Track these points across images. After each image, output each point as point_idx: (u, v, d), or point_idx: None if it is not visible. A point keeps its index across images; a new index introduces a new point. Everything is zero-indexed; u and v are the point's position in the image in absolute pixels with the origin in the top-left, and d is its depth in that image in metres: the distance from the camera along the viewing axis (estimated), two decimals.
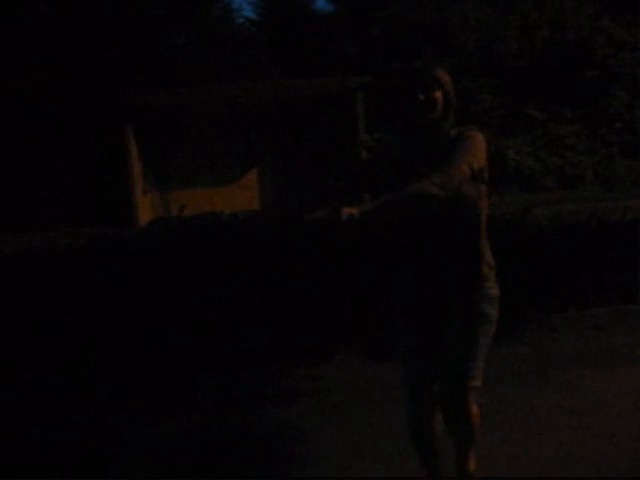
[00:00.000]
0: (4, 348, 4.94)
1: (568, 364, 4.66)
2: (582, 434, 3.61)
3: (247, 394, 4.44)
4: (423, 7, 19.77)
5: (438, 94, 2.73)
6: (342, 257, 5.08)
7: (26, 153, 16.02)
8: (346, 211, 2.33)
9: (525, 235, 5.87)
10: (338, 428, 3.83)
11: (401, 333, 2.85)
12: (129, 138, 14.77)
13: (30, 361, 4.86)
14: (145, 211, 14.80)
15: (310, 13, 27.99)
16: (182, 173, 15.54)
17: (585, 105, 19.80)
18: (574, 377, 4.42)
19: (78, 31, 16.63)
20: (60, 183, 15.73)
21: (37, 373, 4.77)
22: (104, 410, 4.28)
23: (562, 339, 5.23)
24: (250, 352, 4.91)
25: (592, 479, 3.16)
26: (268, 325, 5.00)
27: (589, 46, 19.93)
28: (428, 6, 19.69)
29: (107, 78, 16.03)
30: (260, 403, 4.27)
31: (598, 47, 19.95)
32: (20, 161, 15.93)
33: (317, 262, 5.13)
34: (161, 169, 15.67)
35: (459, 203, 2.67)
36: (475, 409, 2.78)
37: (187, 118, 15.46)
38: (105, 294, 5.09)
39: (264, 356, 4.89)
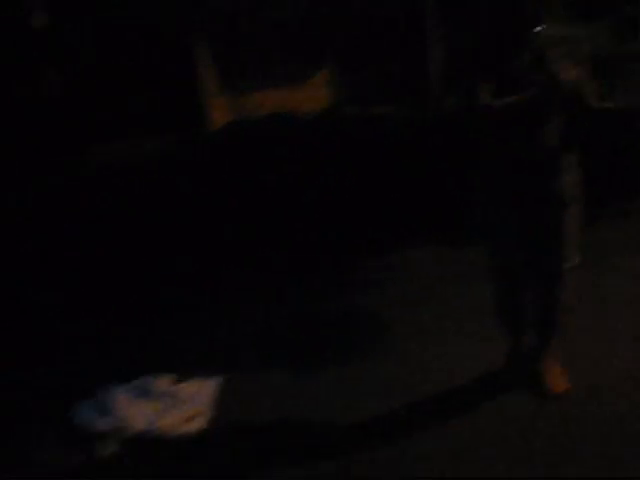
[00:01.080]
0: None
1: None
2: None
3: (334, 283, 4.61)
4: None
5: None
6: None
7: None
8: None
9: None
10: (423, 309, 4.00)
11: (492, 213, 2.84)
12: (200, 42, 14.74)
13: None
14: (219, 113, 14.89)
15: None
16: (256, 74, 15.54)
17: None
18: None
19: None
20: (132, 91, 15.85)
21: None
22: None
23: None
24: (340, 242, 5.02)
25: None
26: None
27: None
28: None
29: None
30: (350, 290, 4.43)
31: None
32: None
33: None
34: (235, 71, 15.68)
35: None
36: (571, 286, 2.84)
37: (260, 17, 15.31)
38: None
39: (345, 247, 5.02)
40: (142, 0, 14.70)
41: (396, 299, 4.21)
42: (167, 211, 5.26)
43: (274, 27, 15.24)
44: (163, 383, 3.32)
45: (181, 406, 3.15)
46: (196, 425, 3.06)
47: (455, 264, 4.61)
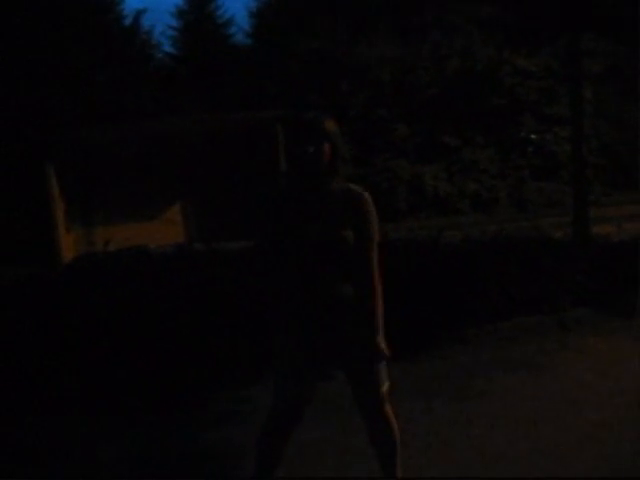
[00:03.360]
0: None
1: (480, 373, 5.02)
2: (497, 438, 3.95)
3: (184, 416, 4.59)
4: (337, 42, 20.35)
5: (326, 146, 2.82)
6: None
7: None
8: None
9: (437, 255, 6.23)
10: None
11: (284, 352, 2.96)
12: (50, 175, 14.67)
13: None
14: (69, 248, 14.67)
15: (229, 47, 28.42)
16: (106, 209, 15.50)
17: (496, 131, 20.70)
18: (488, 384, 4.78)
19: None
20: None
21: None
22: None
23: (474, 351, 5.60)
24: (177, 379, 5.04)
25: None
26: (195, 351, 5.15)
27: (497, 75, 20.90)
28: (342, 42, 20.28)
29: (27, 117, 15.90)
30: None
31: (505, 76, 20.94)
32: None
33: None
34: (85, 205, 15.59)
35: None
36: (389, 409, 3.02)
37: (109, 154, 15.45)
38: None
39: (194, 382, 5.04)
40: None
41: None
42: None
43: (125, 163, 15.47)
44: None
45: None
46: None
47: None
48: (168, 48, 29.37)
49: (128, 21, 25.24)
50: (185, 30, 29.12)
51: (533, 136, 20.40)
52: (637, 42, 11.87)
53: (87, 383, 4.96)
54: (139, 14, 26.02)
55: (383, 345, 2.91)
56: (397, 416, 3.09)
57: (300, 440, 3.49)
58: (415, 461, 3.61)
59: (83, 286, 5.48)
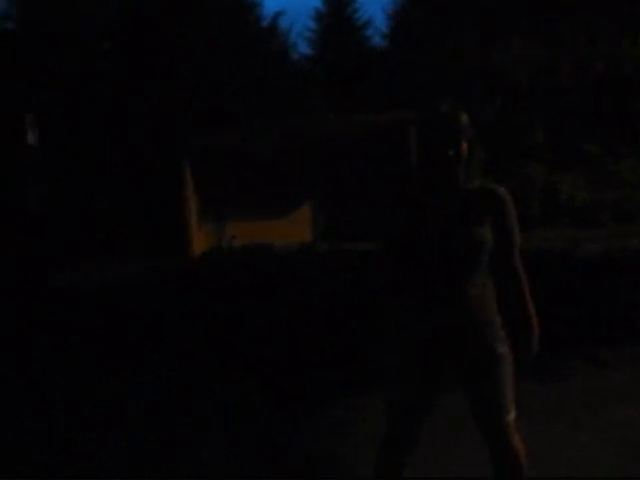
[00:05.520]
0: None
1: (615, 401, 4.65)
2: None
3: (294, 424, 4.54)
4: (472, 44, 19.87)
5: (465, 145, 2.68)
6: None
7: (91, 188, 16.53)
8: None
9: (574, 268, 5.88)
10: None
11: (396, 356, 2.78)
12: (185, 175, 15.26)
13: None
14: (200, 244, 15.14)
15: (366, 49, 28.48)
16: (236, 206, 15.88)
17: None
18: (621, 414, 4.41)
19: (141, 73, 17.23)
20: (119, 217, 16.18)
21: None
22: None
23: (607, 374, 5.21)
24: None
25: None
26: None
27: None
28: (477, 43, 19.77)
29: (167, 119, 16.52)
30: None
31: None
32: (83, 196, 16.43)
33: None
34: (216, 203, 16.05)
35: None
36: (518, 442, 2.74)
37: (241, 154, 15.82)
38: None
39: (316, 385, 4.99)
40: (131, 123, 15.09)
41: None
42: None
43: (257, 163, 15.78)
44: None
45: None
46: None
47: None
48: (305, 50, 29.79)
49: (266, 22, 25.75)
50: (323, 32, 29.43)
51: None
52: None
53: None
54: (277, 16, 26.50)
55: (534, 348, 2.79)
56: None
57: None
58: None
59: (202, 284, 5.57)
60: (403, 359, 2.76)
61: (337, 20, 29.48)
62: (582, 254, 6.29)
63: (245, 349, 5.31)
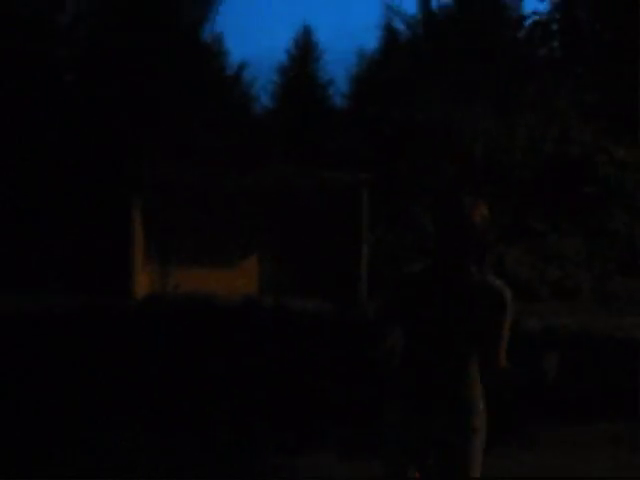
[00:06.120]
0: None
1: None
2: None
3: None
4: (431, 111, 20.32)
5: (477, 236, 2.69)
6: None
7: (31, 211, 16.19)
8: None
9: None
10: None
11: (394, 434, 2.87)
12: (135, 211, 15.04)
13: None
14: (143, 286, 14.87)
15: (327, 107, 28.88)
16: (183, 251, 15.69)
17: (585, 220, 20.09)
18: None
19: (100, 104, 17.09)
20: (58, 246, 15.83)
21: None
22: None
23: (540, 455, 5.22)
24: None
25: None
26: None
27: (592, 164, 20.38)
28: (436, 110, 20.23)
29: (122, 152, 16.38)
30: None
31: (600, 165, 20.39)
32: (23, 219, 16.07)
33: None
34: (163, 246, 15.84)
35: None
36: None
37: (194, 197, 15.72)
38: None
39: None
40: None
41: None
42: None
43: (207, 212, 15.71)
44: None
45: None
46: None
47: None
48: (266, 102, 30.06)
49: (230, 72, 25.95)
50: (285, 86, 29.78)
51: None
52: None
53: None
54: (242, 66, 26.77)
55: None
56: None
57: None
58: None
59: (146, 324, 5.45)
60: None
61: (299, 75, 29.88)
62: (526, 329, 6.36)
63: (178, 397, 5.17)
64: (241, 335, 5.26)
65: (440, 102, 20.95)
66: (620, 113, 19.84)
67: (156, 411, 5.07)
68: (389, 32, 27.74)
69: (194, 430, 4.87)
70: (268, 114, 29.21)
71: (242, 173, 15.55)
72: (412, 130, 20.25)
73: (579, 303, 17.48)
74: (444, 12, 25.93)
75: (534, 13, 17.43)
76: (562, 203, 19.86)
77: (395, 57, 26.15)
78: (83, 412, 5.02)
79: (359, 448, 4.74)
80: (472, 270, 2.75)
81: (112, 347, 5.45)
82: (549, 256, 18.92)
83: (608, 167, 20.53)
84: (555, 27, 18.07)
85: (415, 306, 2.76)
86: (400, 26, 26.79)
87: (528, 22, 18.18)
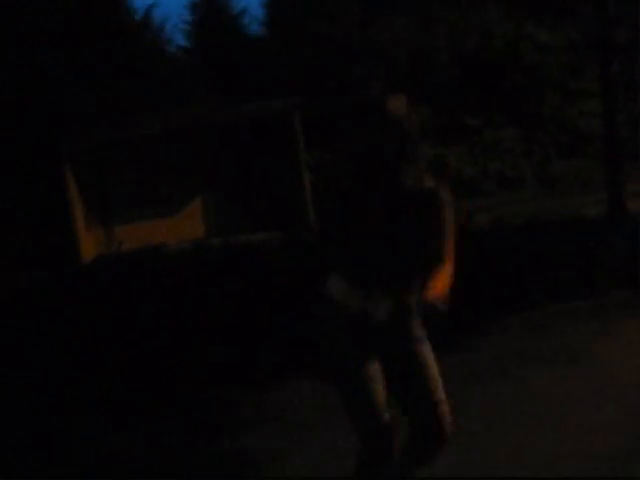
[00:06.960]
0: None
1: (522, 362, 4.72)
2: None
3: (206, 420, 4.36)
4: (351, 26, 20.00)
5: (395, 135, 2.40)
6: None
7: None
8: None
9: (467, 240, 5.91)
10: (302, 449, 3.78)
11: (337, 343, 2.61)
12: (67, 175, 14.53)
13: None
14: (89, 248, 14.52)
15: (243, 37, 28.15)
16: (124, 207, 15.34)
17: (519, 109, 20.22)
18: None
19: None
20: None
21: None
22: None
23: (509, 340, 5.29)
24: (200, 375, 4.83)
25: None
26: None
27: (517, 52, 20.39)
28: (356, 25, 19.92)
29: (40, 116, 15.73)
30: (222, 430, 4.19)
31: (525, 53, 20.42)
32: None
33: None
34: (103, 205, 15.45)
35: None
36: (448, 420, 2.63)
37: (124, 151, 15.28)
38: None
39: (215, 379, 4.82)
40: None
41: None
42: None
43: (141, 159, 15.29)
44: None
45: None
46: None
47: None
48: (181, 42, 29.15)
49: (138, 16, 24.95)
50: (198, 23, 28.81)
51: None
52: None
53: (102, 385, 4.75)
54: (150, 9, 25.83)
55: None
56: None
57: None
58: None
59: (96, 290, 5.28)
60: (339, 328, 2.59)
61: (211, 10, 28.91)
62: (475, 225, 6.35)
63: (145, 354, 5.06)
64: (194, 278, 5.12)
65: (359, 15, 20.61)
66: None
67: (127, 367, 4.95)
68: None
69: (164, 378, 4.79)
70: (184, 53, 28.35)
71: (167, 114, 15.12)
72: (332, 48, 19.92)
73: (524, 192, 17.72)
74: None
75: None
76: (493, 96, 19.91)
77: None
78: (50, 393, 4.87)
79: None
80: (407, 171, 2.45)
81: (66, 320, 5.25)
82: (488, 150, 19.06)
83: (533, 54, 20.58)
84: None
85: (352, 215, 2.49)
86: None
87: None
